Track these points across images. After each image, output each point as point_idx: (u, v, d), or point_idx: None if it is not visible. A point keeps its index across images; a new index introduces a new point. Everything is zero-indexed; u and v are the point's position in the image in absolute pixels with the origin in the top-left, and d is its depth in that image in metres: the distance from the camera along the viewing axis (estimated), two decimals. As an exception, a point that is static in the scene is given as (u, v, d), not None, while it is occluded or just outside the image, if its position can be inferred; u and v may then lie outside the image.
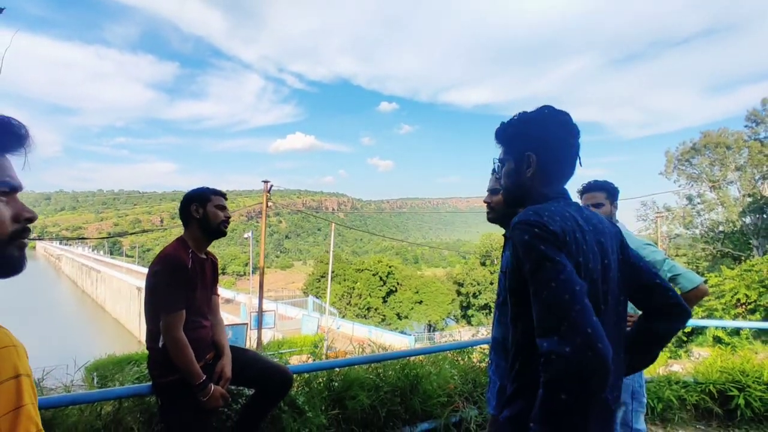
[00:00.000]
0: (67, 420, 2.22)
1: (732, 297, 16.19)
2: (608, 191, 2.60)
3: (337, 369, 3.02)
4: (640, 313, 1.45)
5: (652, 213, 32.76)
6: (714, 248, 30.30)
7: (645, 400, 2.56)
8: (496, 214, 2.11)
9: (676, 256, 31.01)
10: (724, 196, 35.03)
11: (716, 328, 11.87)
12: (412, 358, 3.37)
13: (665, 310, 1.37)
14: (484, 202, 2.17)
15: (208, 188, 2.40)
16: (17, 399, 0.65)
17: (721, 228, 32.23)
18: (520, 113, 1.41)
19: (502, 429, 1.27)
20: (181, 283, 2.16)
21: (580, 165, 1.38)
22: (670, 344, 15.72)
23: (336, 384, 2.97)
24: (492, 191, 2.14)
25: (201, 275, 2.33)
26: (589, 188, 2.63)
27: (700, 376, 4.13)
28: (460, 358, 3.76)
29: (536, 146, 1.33)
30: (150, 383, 2.24)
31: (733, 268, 18.73)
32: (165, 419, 2.23)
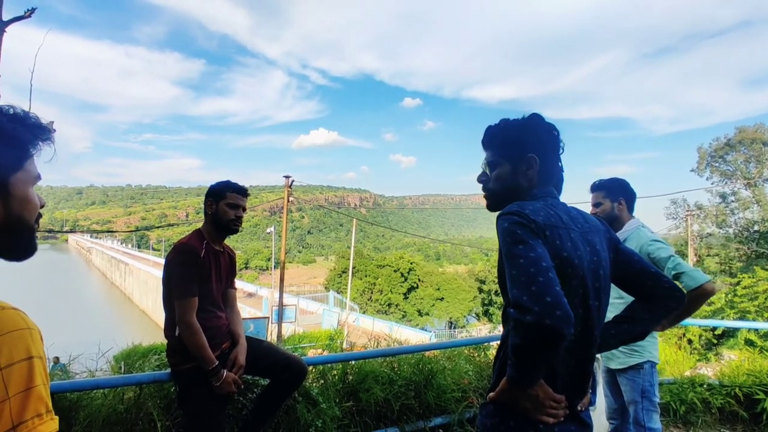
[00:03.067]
0: (92, 403, 2.30)
1: (766, 299, 15.64)
2: (607, 189, 2.63)
3: (352, 362, 3.04)
4: None
5: (683, 211, 31.76)
6: (748, 248, 29.26)
7: (657, 400, 2.53)
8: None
9: (708, 256, 30.06)
10: (760, 194, 33.71)
11: (748, 330, 11.52)
12: (428, 353, 3.38)
13: (657, 293, 1.38)
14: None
15: (229, 184, 2.44)
16: (29, 380, 0.68)
17: (756, 227, 31.06)
18: (504, 119, 1.47)
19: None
20: (194, 271, 2.22)
21: (562, 170, 1.45)
22: (698, 347, 15.31)
23: (351, 377, 3.00)
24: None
25: (216, 267, 2.38)
26: (591, 189, 2.69)
27: (725, 379, 4.01)
28: (476, 354, 3.74)
29: (538, 149, 1.39)
30: (169, 371, 2.30)
31: (766, 269, 18.08)
32: (182, 406, 2.30)
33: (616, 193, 2.62)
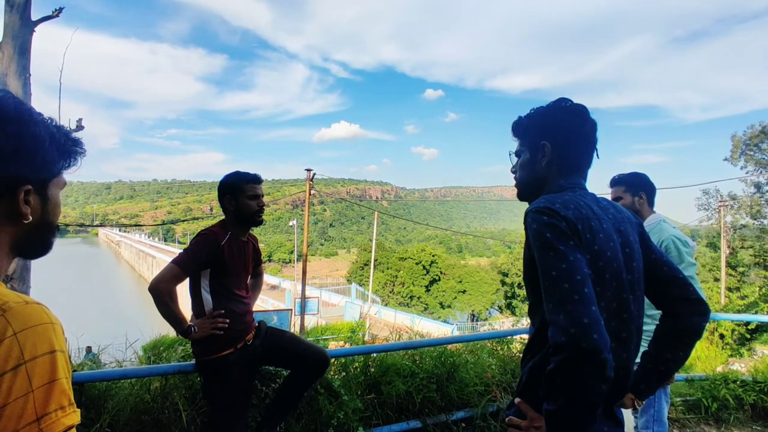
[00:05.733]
0: (120, 392, 2.35)
1: (801, 293, 15.08)
2: (627, 184, 2.56)
3: (374, 354, 3.04)
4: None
5: (716, 202, 30.71)
6: (785, 241, 28.18)
7: (668, 390, 2.50)
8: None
9: (742, 248, 29.04)
10: (796, 184, 32.39)
11: (783, 325, 11.13)
12: (450, 346, 3.35)
13: (687, 305, 1.31)
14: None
15: (240, 176, 2.42)
16: (52, 373, 0.68)
17: (793, 219, 29.86)
18: (534, 107, 1.41)
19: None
20: (203, 254, 2.23)
21: (597, 157, 1.36)
22: (731, 342, 14.85)
23: (372, 369, 2.99)
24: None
25: (240, 256, 2.40)
26: (610, 184, 2.63)
27: (759, 375, 3.87)
28: (499, 348, 3.69)
29: (552, 136, 1.33)
30: (194, 361, 2.34)
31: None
32: (206, 395, 2.33)
33: (636, 187, 2.55)
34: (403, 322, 23.38)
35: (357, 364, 3.00)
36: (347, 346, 3.16)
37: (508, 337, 3.76)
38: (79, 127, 5.53)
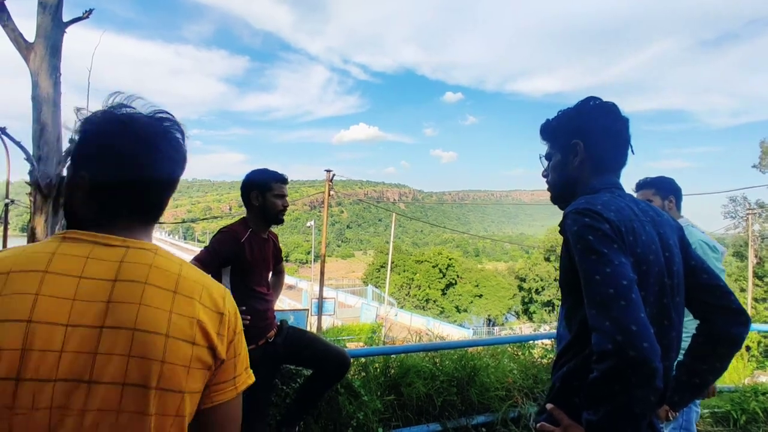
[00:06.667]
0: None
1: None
2: (657, 186, 2.49)
3: (394, 356, 3.02)
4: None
5: (743, 209, 29.93)
6: (812, 250, 27.29)
7: (698, 401, 2.42)
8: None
9: (769, 257, 28.20)
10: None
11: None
12: (470, 350, 3.31)
13: (726, 315, 1.25)
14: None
15: (269, 174, 2.43)
16: (244, 346, 0.89)
17: (823, 228, 28.90)
18: (562, 109, 1.38)
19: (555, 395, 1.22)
20: (222, 253, 2.24)
21: (632, 153, 1.31)
22: (757, 354, 14.42)
23: (392, 370, 2.97)
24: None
25: (261, 253, 2.41)
26: (638, 187, 2.56)
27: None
28: (519, 353, 3.64)
29: (583, 134, 1.29)
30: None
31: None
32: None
33: (666, 191, 2.49)
34: (419, 324, 23.31)
35: (377, 364, 2.99)
36: (364, 346, 3.15)
37: (529, 342, 3.71)
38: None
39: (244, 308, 2.28)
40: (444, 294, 47.52)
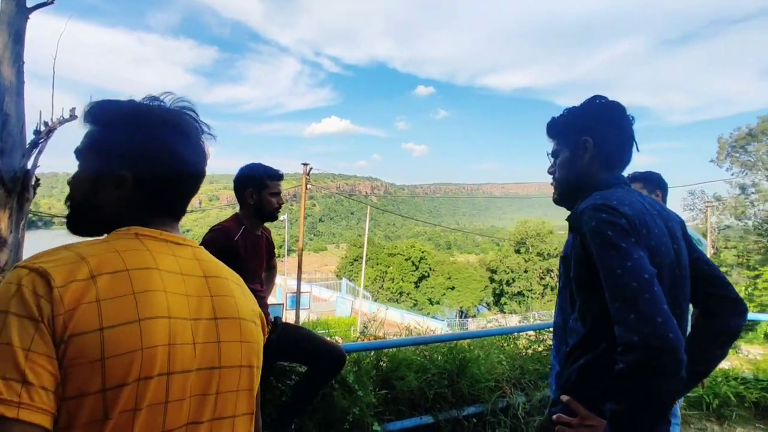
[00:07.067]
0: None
1: (787, 292, 15.38)
2: (645, 181, 2.54)
3: (384, 350, 3.02)
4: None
5: (701, 202, 31.23)
6: (767, 241, 28.73)
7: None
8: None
9: (725, 248, 29.62)
10: (781, 185, 32.96)
11: (768, 323, 11.31)
12: (457, 342, 3.34)
13: (726, 304, 1.31)
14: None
15: (265, 171, 2.37)
16: None
17: (776, 220, 30.43)
18: (568, 108, 1.40)
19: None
20: (219, 248, 2.16)
21: (638, 150, 1.35)
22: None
23: (384, 364, 2.97)
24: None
25: (254, 250, 2.35)
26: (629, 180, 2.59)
27: (761, 373, 3.92)
28: (505, 344, 3.70)
29: (593, 131, 1.31)
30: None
31: (788, 262, 17.76)
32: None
33: (653, 185, 2.55)
34: (393, 317, 23.42)
35: (368, 359, 2.98)
36: (360, 339, 3.14)
37: (515, 333, 3.77)
38: (73, 117, 5.40)
39: None
40: (417, 287, 47.87)
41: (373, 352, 2.98)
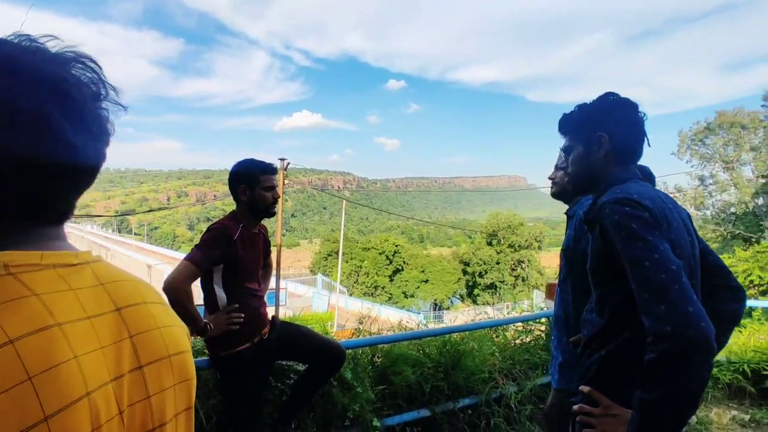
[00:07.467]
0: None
1: (745, 278, 16.15)
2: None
3: (380, 345, 3.03)
4: None
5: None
6: (725, 230, 30.06)
7: None
8: (559, 189, 2.12)
9: (686, 237, 30.82)
10: (738, 176, 34.47)
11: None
12: (449, 335, 3.39)
13: (728, 292, 1.38)
14: (549, 178, 2.15)
15: (256, 166, 2.33)
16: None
17: (732, 209, 31.87)
18: (580, 104, 1.43)
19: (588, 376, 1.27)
20: (216, 250, 2.15)
21: (649, 145, 1.38)
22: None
23: (379, 360, 2.99)
24: (557, 167, 2.13)
25: (253, 249, 2.33)
26: None
27: (733, 356, 4.13)
28: (494, 336, 3.77)
29: (608, 127, 1.34)
30: (206, 358, 2.26)
31: (745, 250, 18.62)
32: (224, 392, 2.26)
33: (643, 177, 2.62)
34: (370, 312, 23.45)
35: (364, 355, 2.99)
36: (355, 335, 3.15)
37: (504, 326, 3.85)
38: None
39: (237, 306, 2.20)
40: (391, 280, 48.06)
41: (368, 348, 3.00)
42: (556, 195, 2.15)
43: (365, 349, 2.99)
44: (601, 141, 1.34)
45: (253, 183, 2.29)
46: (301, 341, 2.44)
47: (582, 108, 1.42)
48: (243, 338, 2.21)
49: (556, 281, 2.19)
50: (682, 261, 1.17)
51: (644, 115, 1.36)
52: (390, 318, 4.25)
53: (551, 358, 2.14)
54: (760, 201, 32.75)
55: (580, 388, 1.30)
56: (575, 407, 1.28)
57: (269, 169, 2.36)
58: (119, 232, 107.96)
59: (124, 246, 55.56)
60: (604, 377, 1.25)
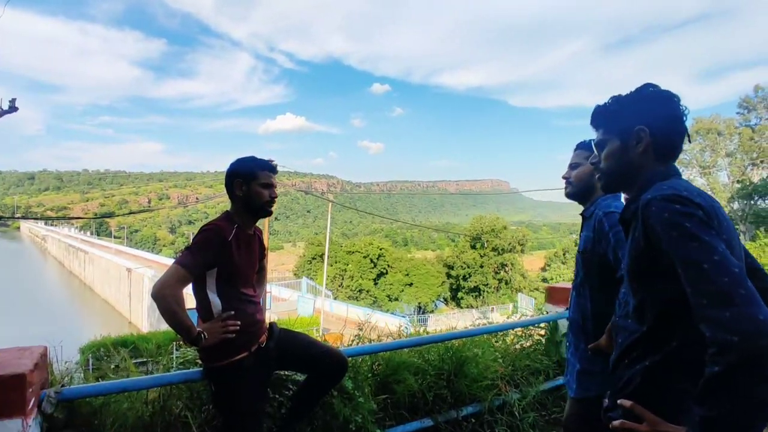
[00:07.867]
0: (117, 407, 2.08)
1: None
2: None
3: (379, 353, 2.91)
4: None
5: (645, 198, 33.18)
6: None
7: None
8: (574, 189, 2.05)
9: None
10: (714, 182, 35.48)
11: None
12: (451, 341, 3.28)
13: (766, 295, 1.30)
14: (563, 177, 2.07)
15: (255, 162, 2.21)
16: None
17: (709, 213, 32.70)
18: (614, 96, 1.34)
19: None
20: (209, 253, 2.00)
21: (689, 141, 1.32)
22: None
23: (379, 368, 2.87)
24: (572, 166, 2.05)
25: (248, 251, 2.19)
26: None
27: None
28: (494, 341, 3.68)
29: (649, 120, 1.24)
30: (200, 369, 2.12)
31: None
32: (220, 405, 2.12)
33: None
34: (355, 316, 23.29)
35: (364, 363, 2.86)
36: (355, 343, 3.02)
37: (503, 331, 3.76)
38: (13, 108, 4.94)
39: (232, 313, 2.06)
40: (376, 284, 47.93)
41: (368, 356, 2.87)
42: (570, 195, 2.07)
43: (365, 357, 2.87)
44: (641, 135, 1.25)
45: (249, 178, 2.16)
46: (300, 349, 2.30)
47: (618, 100, 1.33)
48: (240, 347, 2.07)
49: (558, 284, 2.11)
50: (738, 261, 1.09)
51: (686, 109, 1.27)
52: (379, 323, 4.12)
53: (567, 365, 2.05)
54: (735, 205, 33.72)
55: (619, 402, 1.20)
56: (615, 423, 1.17)
57: (268, 166, 2.23)
58: (98, 235, 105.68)
59: (103, 249, 54.28)
60: (648, 390, 1.15)
